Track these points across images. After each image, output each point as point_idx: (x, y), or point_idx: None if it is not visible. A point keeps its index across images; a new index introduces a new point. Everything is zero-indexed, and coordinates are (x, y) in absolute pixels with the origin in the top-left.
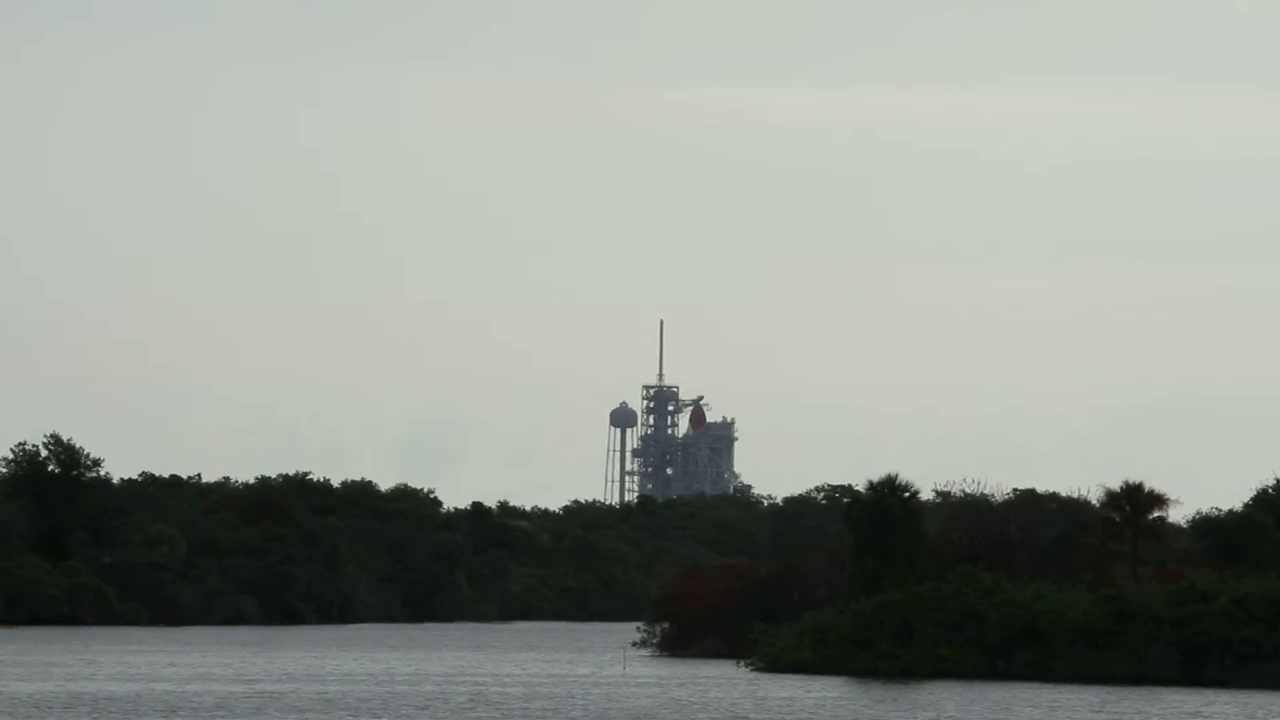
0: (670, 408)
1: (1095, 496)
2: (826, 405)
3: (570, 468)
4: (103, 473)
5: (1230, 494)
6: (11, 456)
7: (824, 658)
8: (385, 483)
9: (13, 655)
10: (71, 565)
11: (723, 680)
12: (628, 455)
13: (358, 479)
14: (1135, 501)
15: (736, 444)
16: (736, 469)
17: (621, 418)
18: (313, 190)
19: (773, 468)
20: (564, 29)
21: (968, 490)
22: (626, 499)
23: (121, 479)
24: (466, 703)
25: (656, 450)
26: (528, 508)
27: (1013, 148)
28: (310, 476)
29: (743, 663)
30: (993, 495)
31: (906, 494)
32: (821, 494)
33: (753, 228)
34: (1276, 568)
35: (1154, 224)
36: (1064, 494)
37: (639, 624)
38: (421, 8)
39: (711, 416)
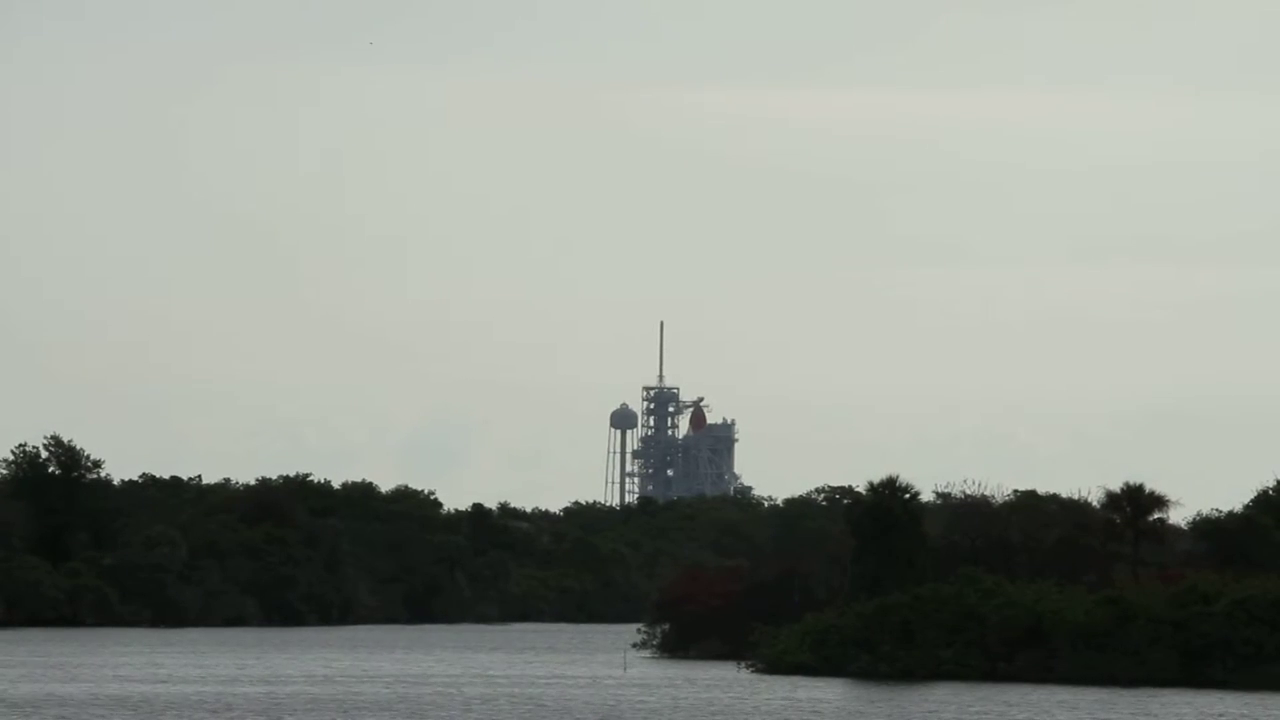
0: (671, 409)
1: (1096, 498)
2: (827, 406)
3: (571, 469)
4: (103, 474)
5: (1231, 495)
6: (12, 458)
7: (825, 659)
8: (386, 484)
9: (27, 657)
10: (72, 566)
11: (724, 681)
12: (628, 456)
13: (358, 480)
14: (1136, 503)
15: (737, 445)
16: (737, 470)
17: (622, 419)
18: (314, 190)
19: (773, 469)
20: (565, 30)
21: (968, 492)
22: (627, 500)
23: (122, 480)
24: (509, 705)
25: (657, 451)
26: (528, 509)
27: (1014, 150)
28: (311, 478)
29: (743, 664)
30: (993, 497)
31: (907, 495)
32: (822, 495)
33: (753, 228)
34: (1277, 569)
35: (1155, 225)
36: (1065, 495)
37: (639, 625)
38: (422, 9)
39: (712, 418)
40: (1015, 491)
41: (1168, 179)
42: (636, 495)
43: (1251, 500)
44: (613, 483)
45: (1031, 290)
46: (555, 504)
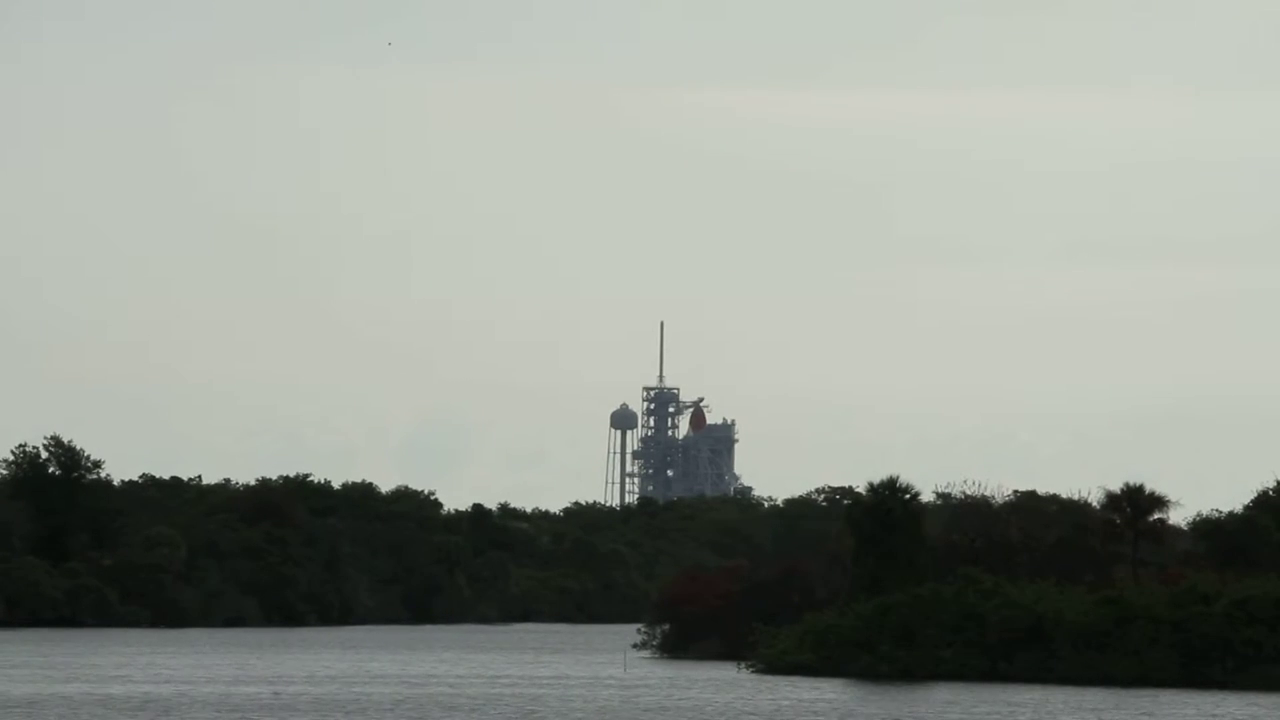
0: (671, 409)
1: (1096, 498)
2: (827, 406)
3: (571, 469)
4: (103, 474)
5: (1231, 495)
6: (12, 458)
7: (824, 659)
8: (386, 484)
9: (28, 657)
10: (72, 567)
11: (724, 682)
12: (628, 457)
13: (358, 480)
14: (1136, 503)
15: (737, 445)
16: (737, 470)
17: (622, 419)
18: (315, 190)
19: (774, 469)
20: (567, 31)
21: (968, 492)
22: (627, 501)
23: (122, 480)
24: (518, 709)
25: (657, 452)
26: (528, 509)
27: (1015, 149)
28: (311, 478)
29: (743, 664)
30: (993, 497)
31: (907, 495)
32: (822, 495)
33: (753, 228)
34: (1277, 569)
35: (1155, 225)
36: (1065, 496)
37: (639, 626)
38: (422, 9)
39: (712, 418)
40: (1015, 491)
41: (1168, 179)
42: (636, 495)
43: (1251, 500)
44: (613, 483)
45: (1031, 290)
46: (555, 504)
